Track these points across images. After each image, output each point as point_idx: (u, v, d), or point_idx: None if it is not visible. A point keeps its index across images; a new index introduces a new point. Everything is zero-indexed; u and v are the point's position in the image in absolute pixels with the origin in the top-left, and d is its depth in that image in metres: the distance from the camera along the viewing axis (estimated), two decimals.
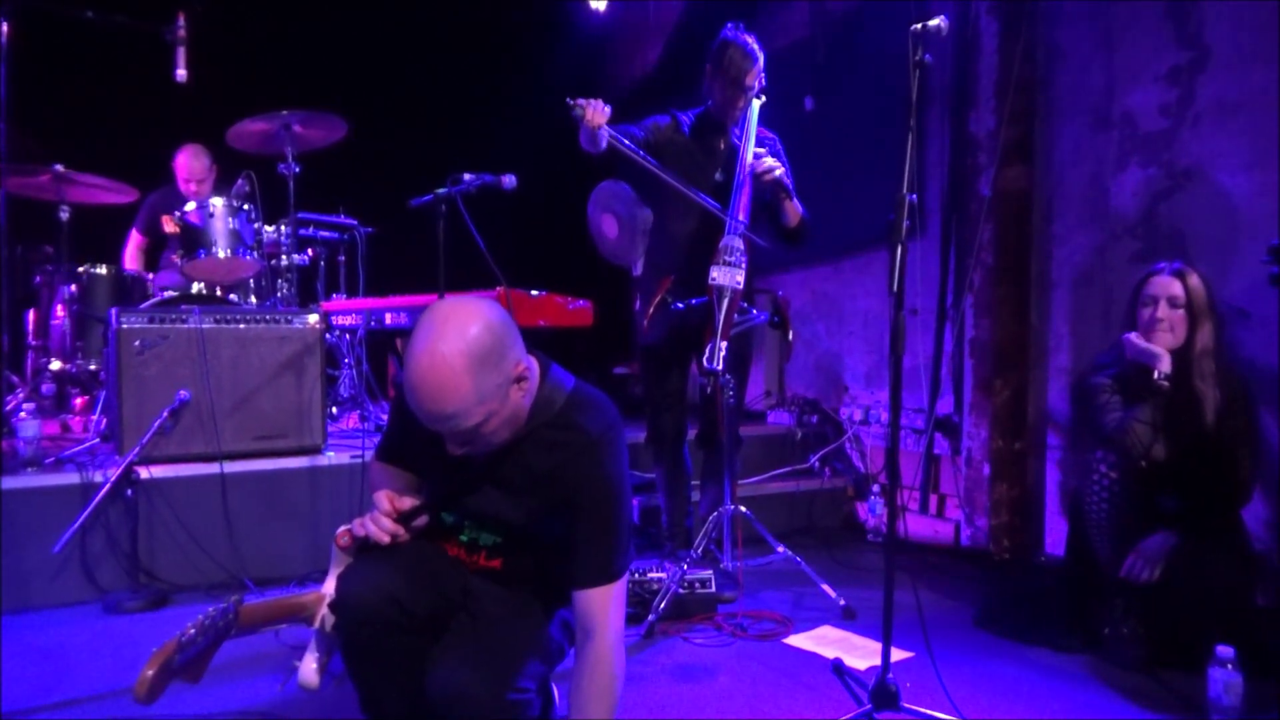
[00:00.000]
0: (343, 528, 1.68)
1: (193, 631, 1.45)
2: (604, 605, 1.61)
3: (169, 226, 4.15)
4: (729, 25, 3.07)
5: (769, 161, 3.01)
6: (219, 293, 3.97)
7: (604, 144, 2.82)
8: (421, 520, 1.69)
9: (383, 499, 1.67)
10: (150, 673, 1.38)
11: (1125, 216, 3.35)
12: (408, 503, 1.68)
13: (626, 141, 2.89)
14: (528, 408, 1.61)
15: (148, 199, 4.61)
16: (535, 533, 1.70)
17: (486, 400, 1.48)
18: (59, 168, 3.77)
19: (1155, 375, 2.49)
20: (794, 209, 3.10)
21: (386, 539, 1.63)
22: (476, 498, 1.69)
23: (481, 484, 1.67)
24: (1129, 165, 3.33)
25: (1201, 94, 3.09)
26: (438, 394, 1.46)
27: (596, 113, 2.78)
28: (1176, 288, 2.54)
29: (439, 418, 1.48)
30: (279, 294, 4.21)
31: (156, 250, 4.76)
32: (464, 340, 1.46)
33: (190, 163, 4.57)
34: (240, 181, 3.97)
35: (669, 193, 3.04)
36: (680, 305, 2.91)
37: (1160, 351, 2.51)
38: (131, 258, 4.75)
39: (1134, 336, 2.57)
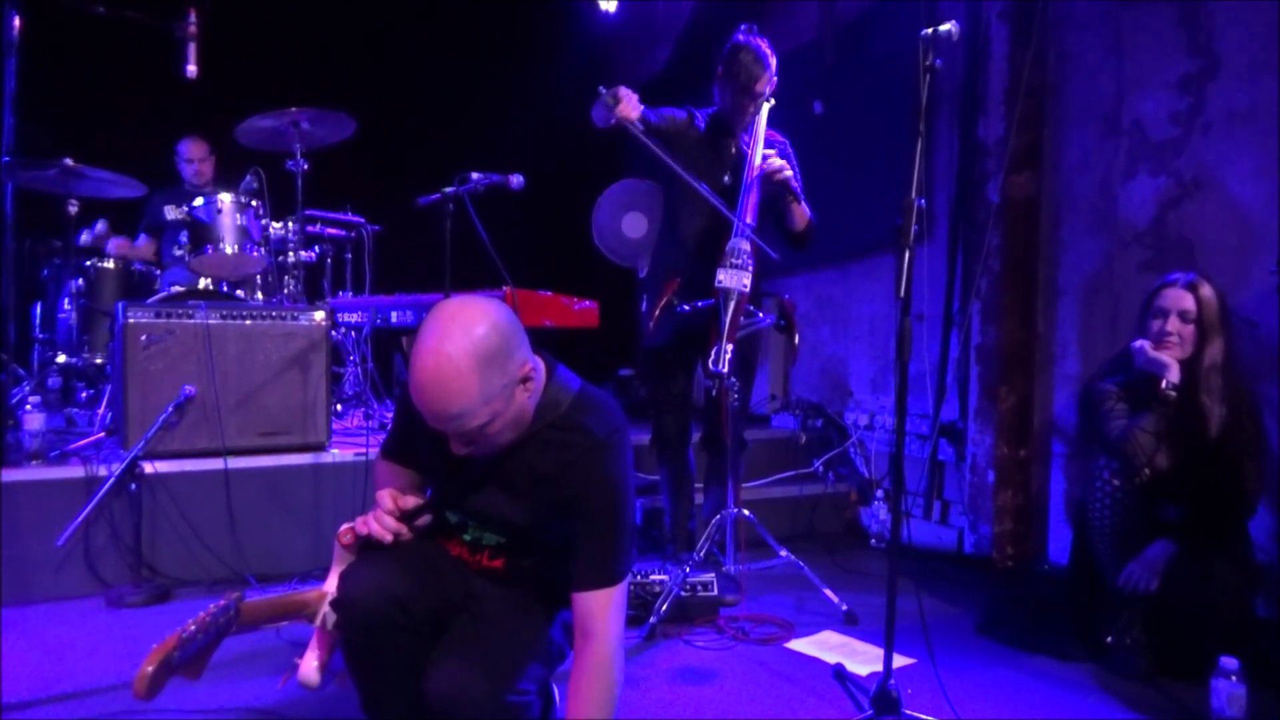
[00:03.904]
0: (345, 525, 1.68)
1: (193, 628, 1.45)
2: (604, 608, 1.60)
3: (172, 214, 4.16)
4: (741, 28, 3.03)
5: (778, 162, 2.99)
6: (226, 288, 3.98)
7: (632, 130, 2.79)
8: (424, 519, 1.69)
9: (386, 497, 1.67)
10: (150, 669, 1.38)
11: (1134, 224, 3.33)
12: (411, 501, 1.68)
13: (653, 139, 2.86)
14: (533, 408, 1.61)
15: (151, 199, 4.59)
16: (538, 534, 1.70)
17: (492, 400, 1.48)
18: (68, 161, 3.77)
19: (1163, 385, 2.47)
20: (801, 212, 3.09)
21: (389, 537, 1.63)
22: (480, 497, 1.68)
23: (485, 484, 1.67)
24: (1138, 173, 3.32)
25: (1212, 102, 3.08)
26: (443, 393, 1.45)
27: (630, 107, 2.77)
28: (1188, 301, 2.52)
29: (444, 417, 1.48)
30: (286, 290, 4.22)
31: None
32: (470, 340, 1.45)
33: (190, 144, 4.69)
34: (248, 178, 3.98)
35: (679, 193, 3.03)
36: (686, 307, 2.89)
37: (1169, 361, 2.49)
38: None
39: (1145, 345, 2.56)
